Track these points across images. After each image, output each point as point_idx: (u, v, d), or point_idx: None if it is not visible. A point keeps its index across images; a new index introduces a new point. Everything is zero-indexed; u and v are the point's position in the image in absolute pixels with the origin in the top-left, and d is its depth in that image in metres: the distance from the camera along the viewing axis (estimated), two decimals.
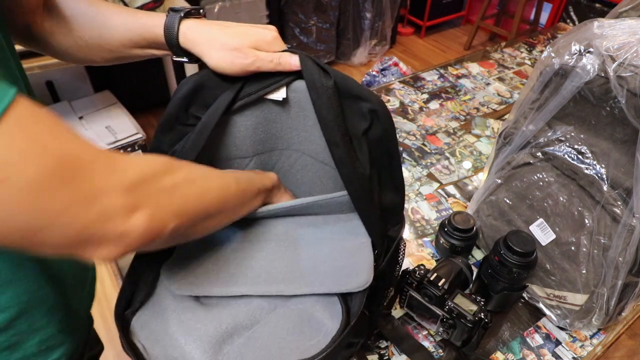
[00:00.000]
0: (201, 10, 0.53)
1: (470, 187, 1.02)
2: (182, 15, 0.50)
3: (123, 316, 0.48)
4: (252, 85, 0.52)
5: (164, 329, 0.47)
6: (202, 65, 0.52)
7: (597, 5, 2.89)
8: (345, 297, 0.52)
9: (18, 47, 0.57)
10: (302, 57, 0.50)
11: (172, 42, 0.50)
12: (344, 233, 0.56)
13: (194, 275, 0.51)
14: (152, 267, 0.53)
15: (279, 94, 0.52)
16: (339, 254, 0.54)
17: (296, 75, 0.52)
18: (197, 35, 0.50)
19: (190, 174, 0.41)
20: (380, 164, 0.53)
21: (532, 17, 3.29)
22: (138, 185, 0.33)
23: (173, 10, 0.51)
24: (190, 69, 1.71)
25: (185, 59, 0.52)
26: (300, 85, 0.52)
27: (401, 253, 0.60)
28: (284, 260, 0.54)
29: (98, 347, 0.74)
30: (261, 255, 0.54)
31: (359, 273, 0.51)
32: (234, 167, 0.57)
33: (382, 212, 0.54)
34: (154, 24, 0.50)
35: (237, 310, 0.50)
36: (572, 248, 0.69)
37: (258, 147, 0.57)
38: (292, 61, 0.50)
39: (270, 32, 0.51)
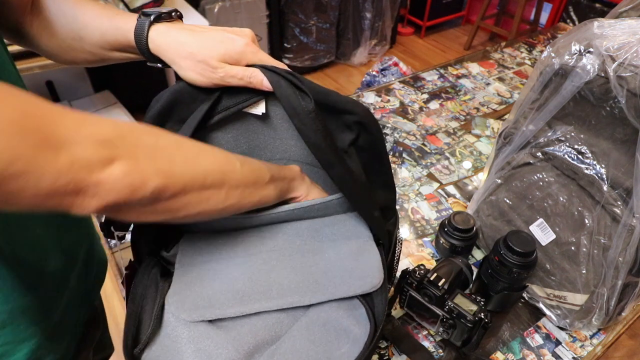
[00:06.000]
0: (173, 13, 0.50)
1: (470, 187, 1.02)
2: (152, 20, 0.48)
3: (132, 355, 0.45)
4: (230, 98, 0.50)
5: None
6: None
7: (597, 5, 2.89)
8: (366, 298, 0.51)
9: (18, 48, 0.57)
10: (274, 79, 0.47)
11: (142, 48, 0.48)
12: (345, 233, 0.55)
13: (203, 299, 0.48)
14: (153, 298, 0.49)
15: (258, 109, 0.51)
16: (346, 256, 0.52)
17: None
18: (165, 41, 0.48)
19: (178, 139, 0.40)
20: (371, 168, 0.53)
21: (532, 17, 3.29)
22: (113, 139, 0.32)
23: (144, 14, 0.48)
24: None
25: (159, 65, 0.50)
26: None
27: (399, 245, 0.61)
28: (293, 269, 0.52)
29: (109, 350, 0.73)
30: (267, 267, 0.52)
31: (370, 273, 0.50)
32: None
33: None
34: (127, 28, 0.49)
35: (256, 328, 0.47)
36: (572, 248, 0.69)
37: None
38: (263, 82, 0.47)
39: (241, 40, 0.48)
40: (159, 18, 0.48)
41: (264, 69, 0.48)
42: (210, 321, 0.48)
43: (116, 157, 0.32)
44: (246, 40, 0.48)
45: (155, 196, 0.35)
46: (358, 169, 0.51)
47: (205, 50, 0.46)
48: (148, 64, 0.51)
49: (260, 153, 0.56)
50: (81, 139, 0.30)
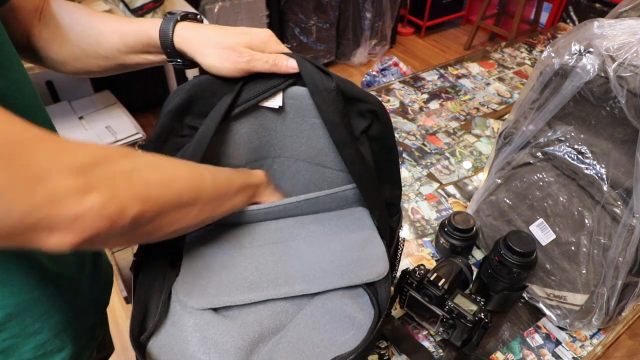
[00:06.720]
0: (198, 16, 0.53)
1: (470, 187, 1.02)
2: (179, 18, 0.50)
3: (139, 342, 0.46)
4: (249, 91, 0.51)
5: (184, 349, 0.45)
6: (202, 69, 0.52)
7: (597, 5, 2.89)
8: (370, 287, 0.52)
9: None
10: (300, 60, 0.49)
11: (166, 42, 0.50)
12: (350, 226, 0.56)
13: (211, 287, 0.49)
14: (160, 286, 0.50)
15: (275, 102, 0.52)
16: (351, 247, 0.54)
17: (293, 79, 0.51)
18: (191, 34, 0.50)
19: (153, 161, 0.40)
20: (380, 160, 0.54)
21: (532, 17, 3.29)
22: (90, 167, 0.31)
23: (170, 14, 0.51)
24: (191, 72, 1.71)
25: (179, 61, 0.52)
26: (297, 91, 0.52)
27: (400, 243, 0.61)
28: (299, 259, 0.53)
29: (109, 350, 0.74)
30: (274, 258, 0.53)
31: (375, 263, 0.52)
32: None
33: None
34: (149, 27, 0.51)
35: (262, 317, 0.48)
36: (572, 248, 0.69)
37: (250, 155, 0.56)
38: (288, 63, 0.49)
39: (265, 31, 0.51)
40: (185, 17, 0.51)
41: (289, 53, 0.50)
42: (216, 310, 0.48)
43: (93, 187, 0.31)
44: (269, 33, 0.51)
45: (134, 223, 0.34)
46: (368, 156, 0.52)
47: (232, 38, 0.49)
48: (168, 60, 0.53)
49: (270, 149, 0.57)
50: (57, 168, 0.29)
